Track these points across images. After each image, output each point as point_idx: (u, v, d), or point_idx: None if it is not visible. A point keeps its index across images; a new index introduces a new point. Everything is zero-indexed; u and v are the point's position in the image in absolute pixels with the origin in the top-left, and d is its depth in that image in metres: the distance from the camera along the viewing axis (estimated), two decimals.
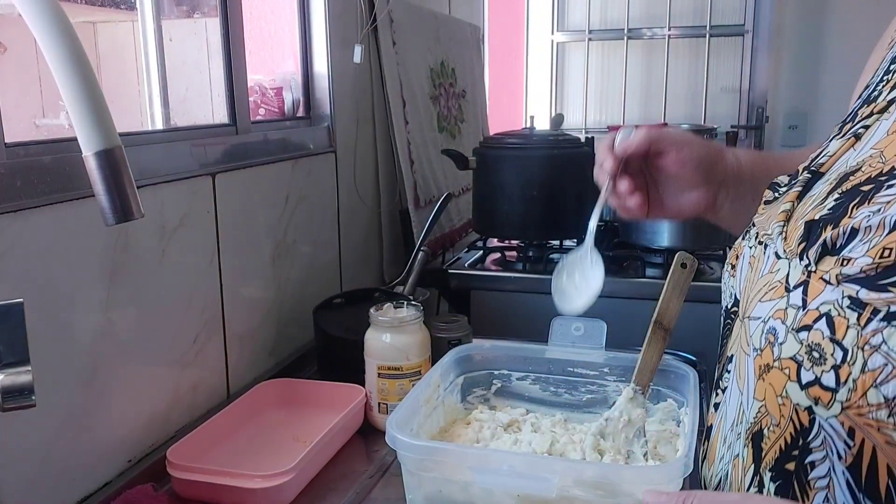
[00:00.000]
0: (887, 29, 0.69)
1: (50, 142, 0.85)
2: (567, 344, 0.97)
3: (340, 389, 1.09)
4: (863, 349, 0.44)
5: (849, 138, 0.57)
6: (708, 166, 0.78)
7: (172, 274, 0.99)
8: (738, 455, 0.57)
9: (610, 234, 1.74)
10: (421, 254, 1.44)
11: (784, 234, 0.55)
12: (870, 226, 0.46)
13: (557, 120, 1.81)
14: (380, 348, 1.05)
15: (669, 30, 3.05)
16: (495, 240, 1.77)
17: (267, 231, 1.24)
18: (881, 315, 0.44)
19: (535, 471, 0.73)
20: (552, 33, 3.22)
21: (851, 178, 0.52)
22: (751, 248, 0.61)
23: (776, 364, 0.49)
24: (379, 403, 1.06)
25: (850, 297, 0.45)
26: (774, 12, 2.91)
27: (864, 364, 0.44)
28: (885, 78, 0.59)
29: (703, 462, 0.68)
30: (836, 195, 0.52)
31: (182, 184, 1.02)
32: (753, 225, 0.63)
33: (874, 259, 0.45)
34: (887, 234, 0.45)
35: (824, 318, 0.46)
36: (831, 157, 0.58)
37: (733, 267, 0.63)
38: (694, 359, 1.21)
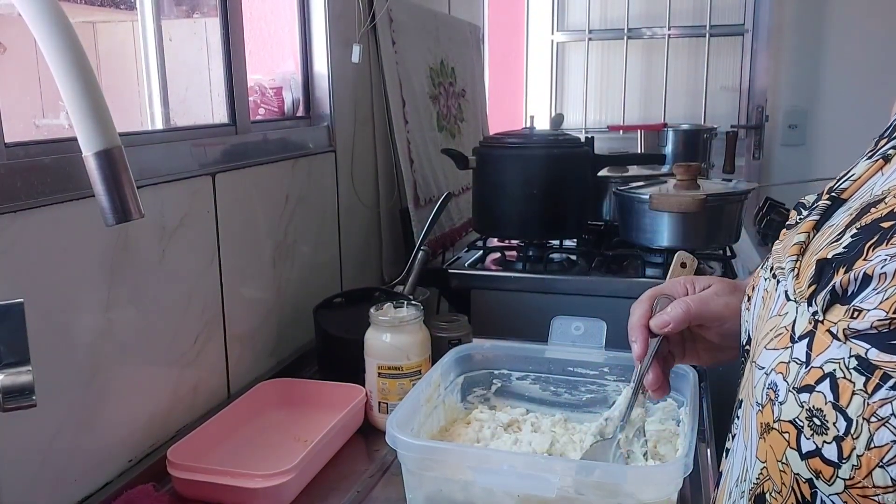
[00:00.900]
0: None
1: (50, 142, 0.85)
2: (567, 344, 0.97)
3: (341, 389, 1.09)
4: (868, 421, 0.39)
5: (877, 160, 0.50)
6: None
7: (172, 274, 0.99)
8: None
9: (610, 233, 1.74)
10: (421, 253, 1.44)
11: (796, 270, 0.49)
12: (884, 272, 0.40)
13: (557, 120, 1.81)
14: (380, 348, 1.05)
15: (669, 29, 3.06)
16: (495, 239, 1.77)
17: (267, 231, 1.24)
18: (891, 383, 0.38)
19: (535, 471, 0.73)
20: (552, 33, 3.22)
21: (873, 210, 0.45)
22: (766, 279, 0.55)
23: (776, 426, 0.45)
24: (379, 403, 1.06)
25: (857, 357, 0.40)
26: (774, 11, 2.91)
27: (870, 439, 0.39)
28: None
29: None
30: (854, 230, 0.45)
31: (182, 184, 1.02)
32: (772, 253, 0.58)
33: (887, 313, 0.39)
34: None
35: (828, 380, 0.41)
36: (855, 181, 0.51)
37: (749, 299, 0.59)
38: None
